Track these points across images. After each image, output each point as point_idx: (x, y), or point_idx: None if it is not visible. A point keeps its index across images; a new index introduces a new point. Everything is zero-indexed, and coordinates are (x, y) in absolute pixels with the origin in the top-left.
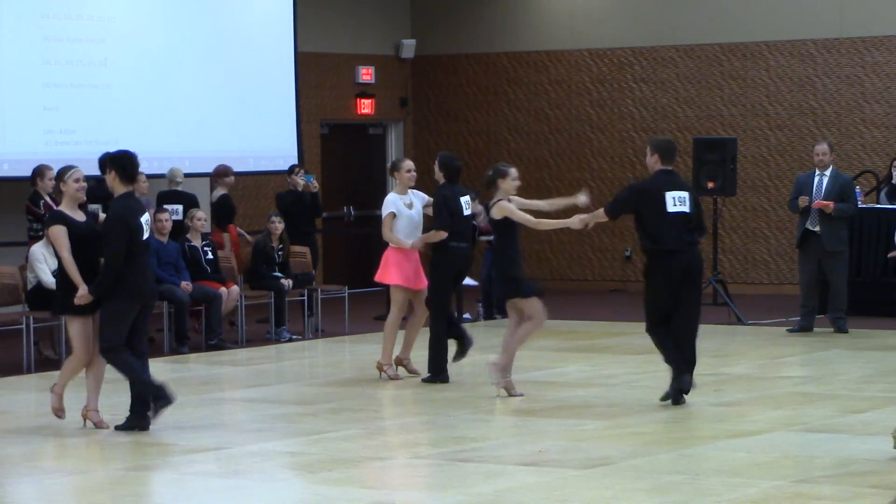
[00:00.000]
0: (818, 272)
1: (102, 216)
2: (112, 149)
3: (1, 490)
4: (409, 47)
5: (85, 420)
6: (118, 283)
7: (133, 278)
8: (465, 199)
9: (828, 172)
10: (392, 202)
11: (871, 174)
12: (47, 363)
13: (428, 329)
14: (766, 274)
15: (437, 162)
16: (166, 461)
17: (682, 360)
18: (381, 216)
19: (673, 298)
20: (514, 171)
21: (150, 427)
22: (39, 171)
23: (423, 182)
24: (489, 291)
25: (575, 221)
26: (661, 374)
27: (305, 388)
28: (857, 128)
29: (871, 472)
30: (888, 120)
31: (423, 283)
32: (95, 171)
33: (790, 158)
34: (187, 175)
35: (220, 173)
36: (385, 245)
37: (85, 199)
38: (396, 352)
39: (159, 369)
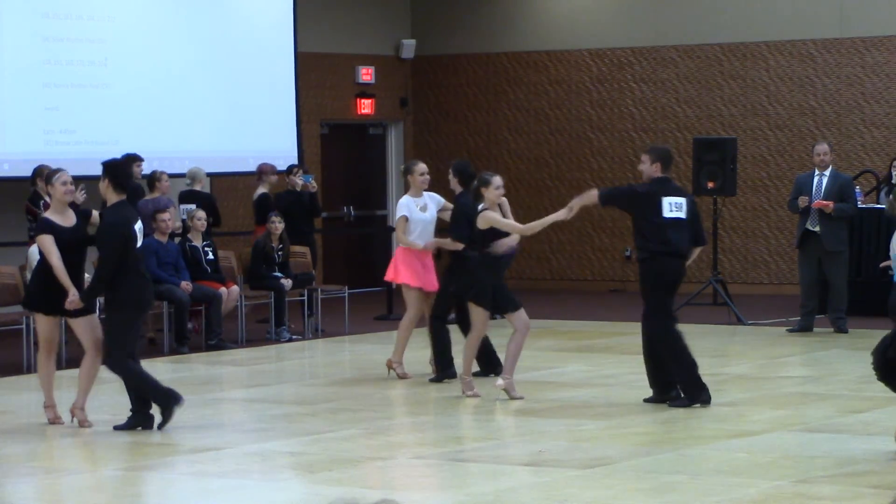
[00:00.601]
0: (818, 272)
1: (96, 214)
2: (112, 149)
3: (1, 490)
4: (409, 47)
5: (73, 417)
6: (118, 295)
7: (132, 289)
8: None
9: (827, 172)
10: (405, 205)
11: (871, 174)
12: None
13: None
14: (766, 274)
15: (451, 170)
16: (166, 461)
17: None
18: (381, 216)
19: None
20: (497, 180)
21: (157, 426)
22: (39, 172)
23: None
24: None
25: (562, 213)
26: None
27: (305, 388)
28: (857, 128)
29: (871, 472)
30: (888, 120)
31: (434, 286)
32: (97, 172)
33: (790, 158)
34: (185, 175)
35: (264, 171)
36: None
37: (72, 200)
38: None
39: (159, 369)
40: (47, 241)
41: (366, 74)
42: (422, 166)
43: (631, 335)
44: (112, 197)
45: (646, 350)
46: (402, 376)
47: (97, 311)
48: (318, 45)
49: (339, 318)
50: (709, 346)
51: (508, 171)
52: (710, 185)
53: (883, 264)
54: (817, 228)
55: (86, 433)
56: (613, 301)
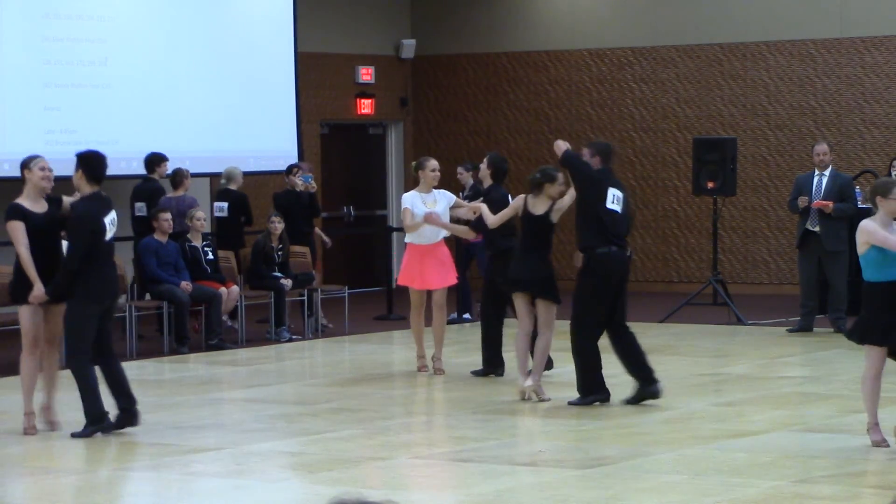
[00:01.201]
0: (818, 272)
1: (67, 200)
2: (112, 148)
3: (1, 490)
4: (409, 47)
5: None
6: (78, 284)
7: (93, 280)
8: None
9: (827, 172)
10: (409, 199)
11: (871, 174)
12: None
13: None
14: (766, 274)
15: (486, 160)
16: (166, 461)
17: (646, 365)
18: (380, 216)
19: (611, 302)
20: (434, 163)
21: (72, 433)
22: None
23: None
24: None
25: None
26: (661, 374)
27: (305, 388)
28: (857, 128)
29: (871, 472)
30: (888, 120)
31: (433, 284)
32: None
33: (790, 158)
34: None
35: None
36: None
37: (49, 188)
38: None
39: (159, 369)
40: (17, 230)
41: (366, 74)
42: (433, 163)
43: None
44: (85, 188)
45: (617, 350)
46: (421, 369)
47: None
48: (318, 45)
49: (339, 318)
50: (709, 346)
51: (508, 171)
52: (710, 185)
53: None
54: (817, 228)
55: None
56: None
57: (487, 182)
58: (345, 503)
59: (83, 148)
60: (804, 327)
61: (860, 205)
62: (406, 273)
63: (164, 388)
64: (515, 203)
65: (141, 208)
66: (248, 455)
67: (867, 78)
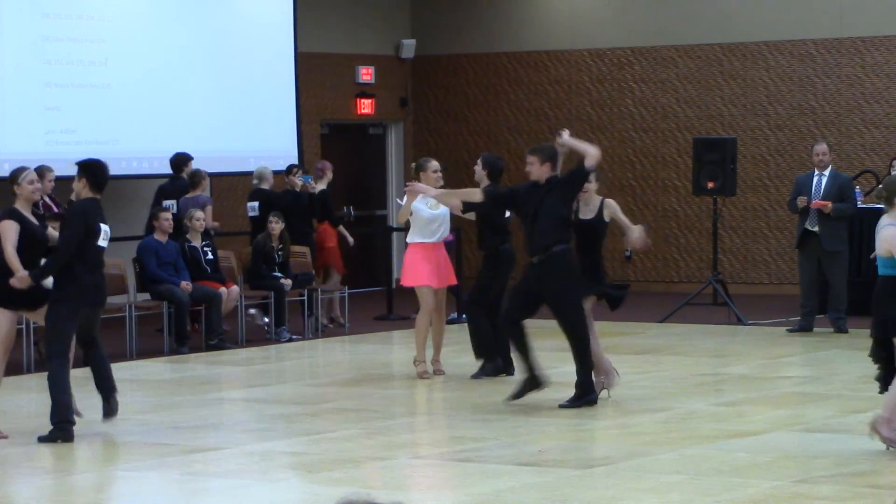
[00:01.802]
0: (818, 272)
1: (53, 233)
2: (112, 148)
3: (1, 490)
4: (409, 47)
5: None
6: (65, 286)
7: (81, 283)
8: None
9: (827, 172)
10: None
11: (871, 174)
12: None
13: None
14: (766, 274)
15: (480, 161)
16: (166, 461)
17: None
18: (380, 216)
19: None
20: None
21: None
22: (40, 172)
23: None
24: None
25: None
26: (661, 374)
27: (305, 388)
28: (857, 128)
29: (871, 472)
30: (888, 120)
31: (440, 282)
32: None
33: (790, 158)
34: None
35: (325, 168)
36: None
37: (39, 199)
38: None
39: (159, 369)
40: (10, 228)
41: (366, 74)
42: (434, 164)
43: (631, 335)
44: (86, 195)
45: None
46: (421, 375)
47: None
48: (318, 45)
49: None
50: (709, 346)
51: (508, 171)
52: (710, 185)
53: (873, 255)
54: (816, 228)
55: (86, 433)
56: None
57: (485, 182)
58: (353, 503)
59: (83, 148)
60: (804, 327)
61: (860, 205)
62: (416, 273)
63: (164, 388)
64: None
65: (253, 208)
66: (248, 455)
67: (867, 78)
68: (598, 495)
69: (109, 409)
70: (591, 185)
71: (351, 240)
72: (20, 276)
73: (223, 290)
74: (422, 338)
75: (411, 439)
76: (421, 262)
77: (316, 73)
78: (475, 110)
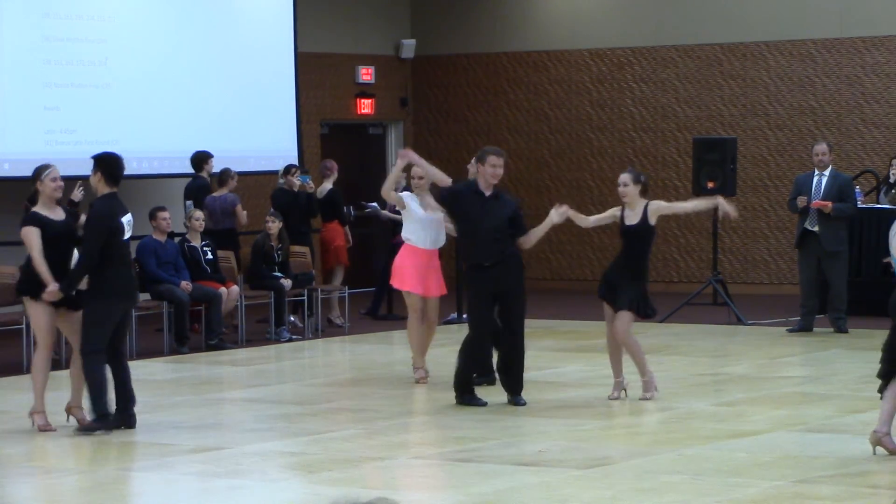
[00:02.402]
0: (818, 272)
1: (83, 218)
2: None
3: (1, 490)
4: (409, 47)
5: (68, 415)
6: (102, 283)
7: (116, 279)
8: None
9: (827, 172)
10: (407, 195)
11: (871, 174)
12: None
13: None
14: (766, 274)
15: (475, 159)
16: (166, 461)
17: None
18: (380, 217)
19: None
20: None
21: (76, 429)
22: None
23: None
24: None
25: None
26: (661, 374)
27: (305, 388)
28: (857, 128)
29: (871, 472)
30: (888, 120)
31: (433, 291)
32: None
33: (790, 158)
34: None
35: (331, 168)
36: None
37: (60, 196)
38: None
39: (159, 369)
40: (31, 234)
41: (366, 74)
42: (493, 158)
43: None
44: (103, 189)
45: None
46: (420, 380)
47: None
48: (318, 45)
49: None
50: (709, 346)
51: (508, 171)
52: (710, 185)
53: (885, 260)
54: (816, 228)
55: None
56: None
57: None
58: None
59: (83, 148)
60: (804, 327)
61: (860, 205)
62: (408, 278)
63: (164, 388)
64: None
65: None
66: (249, 455)
67: (867, 78)
68: (598, 495)
69: (121, 421)
70: (630, 189)
71: (349, 241)
72: (50, 291)
73: (223, 290)
74: (415, 341)
75: (411, 439)
76: (409, 268)
77: (316, 73)
78: (475, 110)
